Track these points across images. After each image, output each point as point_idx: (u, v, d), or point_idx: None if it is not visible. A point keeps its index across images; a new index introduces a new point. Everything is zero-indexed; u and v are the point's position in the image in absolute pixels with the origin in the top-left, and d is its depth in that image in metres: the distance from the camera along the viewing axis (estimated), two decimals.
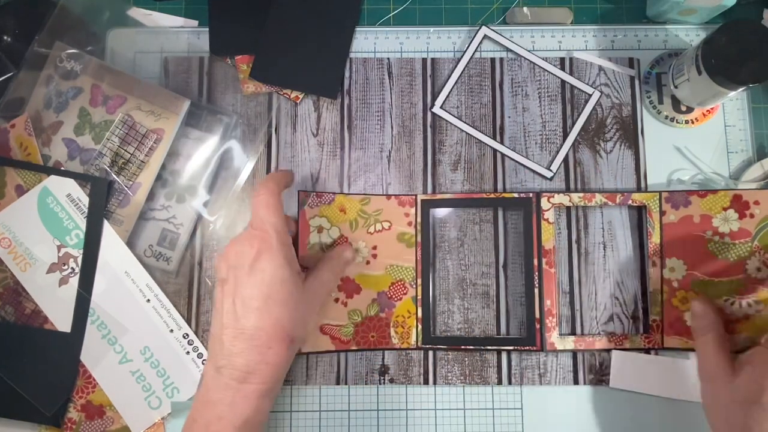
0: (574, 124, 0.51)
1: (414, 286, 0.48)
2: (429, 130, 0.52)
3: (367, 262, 0.48)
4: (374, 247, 0.47)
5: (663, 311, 0.46)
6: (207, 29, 0.53)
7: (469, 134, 0.51)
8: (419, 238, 0.48)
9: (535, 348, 0.46)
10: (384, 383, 0.48)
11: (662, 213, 0.47)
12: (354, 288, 0.47)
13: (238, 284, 0.37)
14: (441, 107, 0.52)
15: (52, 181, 0.49)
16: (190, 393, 0.47)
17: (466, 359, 0.48)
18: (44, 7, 0.51)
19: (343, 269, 0.46)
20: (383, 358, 0.48)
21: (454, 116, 0.52)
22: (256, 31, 0.52)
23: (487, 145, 0.51)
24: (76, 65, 0.50)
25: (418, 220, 0.48)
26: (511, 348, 0.47)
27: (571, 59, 0.52)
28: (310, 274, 0.43)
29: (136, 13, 0.54)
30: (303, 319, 0.40)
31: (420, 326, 0.47)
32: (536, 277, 0.46)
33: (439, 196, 0.47)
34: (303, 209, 0.42)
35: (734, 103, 0.52)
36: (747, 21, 0.44)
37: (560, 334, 0.47)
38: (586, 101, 0.52)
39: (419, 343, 0.47)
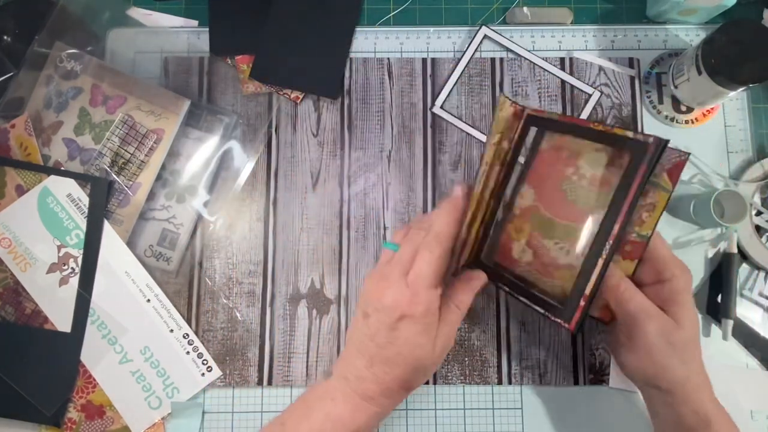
0: None
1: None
2: (429, 130, 0.52)
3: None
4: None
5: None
6: (207, 29, 0.53)
7: (469, 134, 0.51)
8: (509, 157, 0.44)
9: (567, 326, 0.39)
10: None
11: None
12: None
13: (379, 330, 0.38)
14: (441, 107, 0.52)
15: (52, 181, 0.49)
16: (190, 393, 0.47)
17: (466, 359, 0.48)
18: (44, 7, 0.51)
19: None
20: None
21: (454, 116, 0.52)
22: (256, 31, 0.52)
23: None
24: (76, 65, 0.50)
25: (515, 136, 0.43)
26: (542, 311, 0.41)
27: (571, 59, 0.52)
28: (447, 310, 0.40)
29: (136, 13, 0.54)
30: (429, 368, 0.40)
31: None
32: (608, 246, 0.37)
33: (545, 114, 0.42)
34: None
35: (734, 103, 0.52)
36: (747, 21, 0.45)
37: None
38: (586, 101, 0.52)
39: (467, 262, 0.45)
